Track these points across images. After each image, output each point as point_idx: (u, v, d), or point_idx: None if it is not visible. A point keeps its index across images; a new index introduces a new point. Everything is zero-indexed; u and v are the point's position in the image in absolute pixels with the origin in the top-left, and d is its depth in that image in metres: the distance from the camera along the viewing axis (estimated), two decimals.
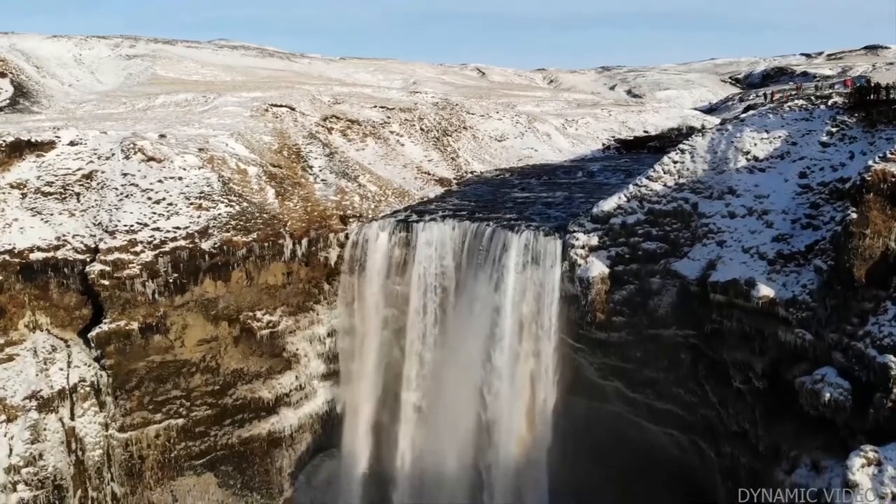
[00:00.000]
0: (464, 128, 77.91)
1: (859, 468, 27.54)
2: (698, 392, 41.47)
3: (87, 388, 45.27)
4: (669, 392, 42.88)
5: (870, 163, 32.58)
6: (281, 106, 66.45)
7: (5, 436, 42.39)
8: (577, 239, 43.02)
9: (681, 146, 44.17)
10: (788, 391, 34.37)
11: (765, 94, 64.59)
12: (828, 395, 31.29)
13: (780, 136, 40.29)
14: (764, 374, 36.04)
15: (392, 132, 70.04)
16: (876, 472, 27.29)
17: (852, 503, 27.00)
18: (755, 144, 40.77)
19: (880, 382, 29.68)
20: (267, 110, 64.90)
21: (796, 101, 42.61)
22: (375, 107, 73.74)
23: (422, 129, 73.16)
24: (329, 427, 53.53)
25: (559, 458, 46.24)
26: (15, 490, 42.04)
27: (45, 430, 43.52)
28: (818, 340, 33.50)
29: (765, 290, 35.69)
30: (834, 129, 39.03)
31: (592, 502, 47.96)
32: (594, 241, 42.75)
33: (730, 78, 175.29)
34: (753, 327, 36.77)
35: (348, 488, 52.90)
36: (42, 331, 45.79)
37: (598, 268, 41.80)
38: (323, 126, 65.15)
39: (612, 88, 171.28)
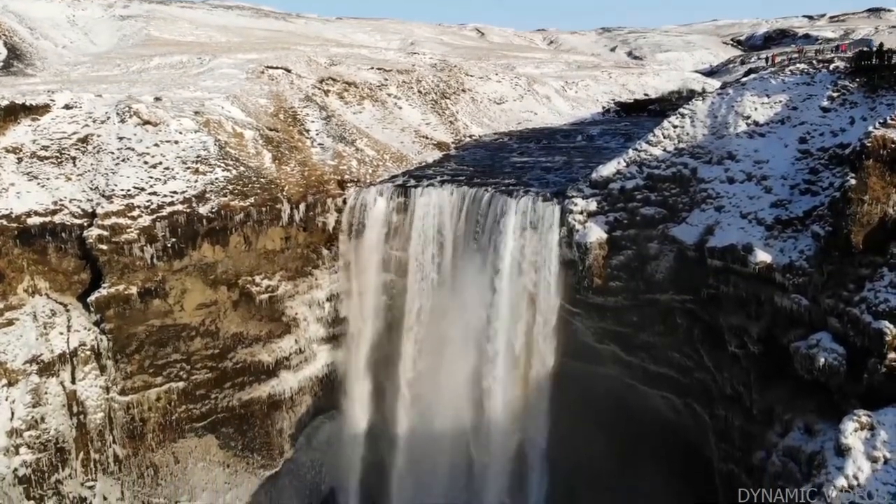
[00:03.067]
0: (462, 90, 77.17)
1: (852, 432, 27.90)
2: (693, 356, 41.82)
3: (88, 352, 45.51)
4: (665, 356, 43.26)
5: (870, 129, 32.33)
6: (277, 68, 65.67)
7: (7, 399, 42.80)
8: (576, 204, 42.92)
9: (681, 110, 43.78)
10: (783, 356, 34.60)
11: (766, 58, 63.93)
12: (822, 359, 31.50)
13: (780, 101, 39.94)
14: (759, 338, 36.27)
15: (390, 95, 69.36)
16: (868, 437, 27.64)
17: (845, 466, 27.39)
18: (756, 109, 40.43)
19: (875, 348, 29.87)
20: (263, 72, 64.14)
21: (798, 65, 42.14)
22: (373, 68, 72.93)
23: (420, 91, 72.45)
24: (329, 389, 54.07)
25: (556, 419, 46.87)
26: (17, 453, 42.60)
27: (46, 393, 43.91)
28: (814, 306, 33.63)
29: (762, 256, 35.71)
30: (835, 94, 38.68)
31: (589, 463, 48.72)
32: (593, 206, 42.65)
33: (731, 40, 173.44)
34: (750, 292, 36.87)
35: (348, 449, 53.75)
36: (41, 295, 45.83)
37: (596, 233, 41.77)
38: (319, 88, 64.47)
39: (612, 50, 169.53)
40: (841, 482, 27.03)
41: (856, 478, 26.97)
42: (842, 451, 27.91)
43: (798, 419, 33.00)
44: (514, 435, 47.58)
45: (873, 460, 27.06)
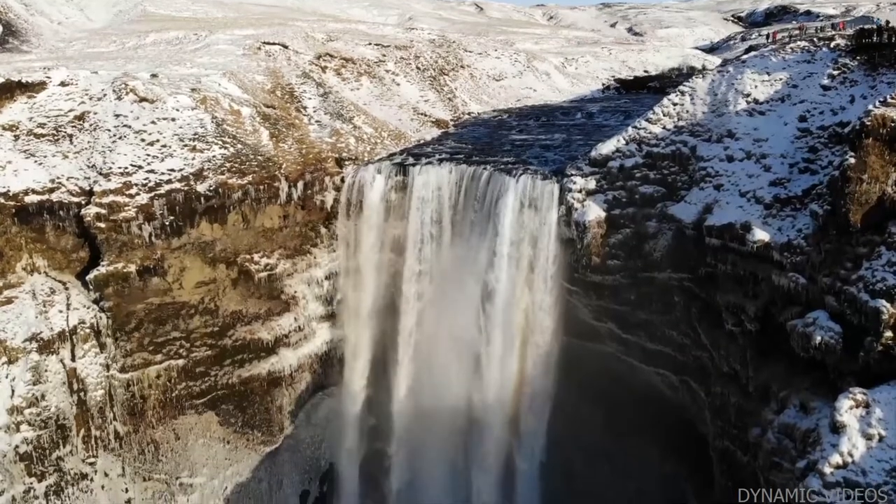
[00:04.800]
0: (461, 66, 76.61)
1: (847, 410, 28.13)
2: (690, 334, 42.02)
3: (87, 330, 45.59)
4: (662, 334, 43.48)
5: (870, 107, 32.19)
6: (274, 44, 65.14)
7: (7, 377, 42.95)
8: (575, 183, 42.83)
9: (681, 88, 43.58)
10: (780, 334, 34.76)
11: (767, 34, 63.36)
12: (819, 337, 31.63)
13: (780, 79, 39.72)
14: (756, 316, 36.42)
15: (387, 71, 68.86)
16: (864, 414, 27.88)
17: (839, 444, 27.63)
18: (756, 87, 40.23)
19: (871, 326, 29.99)
20: (259, 48, 63.64)
21: (798, 43, 41.82)
22: (370, 44, 72.33)
23: (418, 67, 71.91)
24: (328, 367, 54.33)
25: (553, 394, 47.22)
26: (18, 430, 42.85)
27: (46, 371, 44.05)
28: (811, 284, 33.71)
29: (760, 234, 35.73)
30: (835, 72, 38.46)
31: (586, 436, 49.27)
32: (591, 184, 42.57)
33: (732, 16, 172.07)
34: (747, 271, 36.95)
35: (347, 425, 54.12)
36: (40, 273, 45.86)
37: (594, 212, 41.73)
38: (317, 65, 63.98)
39: (612, 26, 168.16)
40: (836, 459, 27.32)
41: (850, 455, 27.25)
42: (837, 429, 28.17)
43: (794, 397, 33.25)
44: (513, 409, 47.86)
45: (868, 438, 27.32)
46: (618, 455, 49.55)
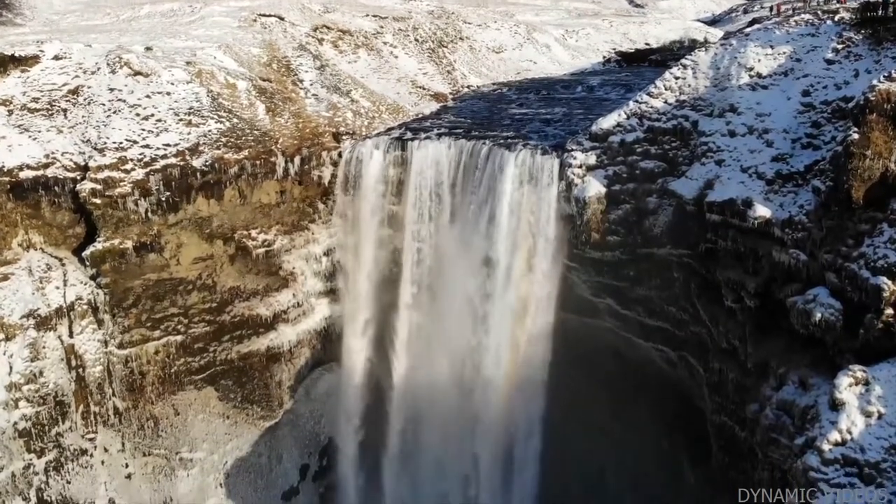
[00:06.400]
0: (460, 38, 75.61)
1: (847, 387, 28.12)
2: (689, 310, 41.91)
3: (85, 307, 45.51)
4: (661, 309, 43.39)
5: (874, 82, 31.71)
6: (270, 16, 64.10)
7: (4, 354, 42.92)
8: (575, 158, 42.40)
9: (683, 61, 42.95)
10: (779, 310, 34.67)
11: (770, 7, 62.39)
12: (819, 314, 31.50)
13: (784, 53, 39.11)
14: (756, 293, 36.26)
15: (385, 43, 67.92)
16: (863, 392, 27.86)
17: (838, 421, 27.64)
18: (759, 61, 39.61)
19: (872, 303, 29.84)
20: (255, 20, 62.67)
21: (802, 16, 41.08)
22: (368, 15, 71.21)
23: (416, 39, 70.94)
24: (327, 342, 54.35)
25: (552, 372, 47.20)
26: (17, 407, 42.93)
27: (44, 347, 44.03)
28: (812, 261, 33.53)
29: (761, 211, 35.44)
30: (839, 46, 37.84)
31: (585, 415, 49.41)
32: (592, 160, 42.14)
33: None
34: (748, 247, 36.74)
35: (347, 400, 54.30)
36: (36, 249, 45.63)
37: (594, 187, 41.37)
38: (313, 37, 63.06)
39: None
40: (834, 436, 27.39)
41: (849, 432, 27.32)
42: (836, 406, 28.19)
43: (792, 373, 33.22)
44: (511, 384, 47.93)
45: (867, 415, 27.35)
46: (615, 429, 49.80)
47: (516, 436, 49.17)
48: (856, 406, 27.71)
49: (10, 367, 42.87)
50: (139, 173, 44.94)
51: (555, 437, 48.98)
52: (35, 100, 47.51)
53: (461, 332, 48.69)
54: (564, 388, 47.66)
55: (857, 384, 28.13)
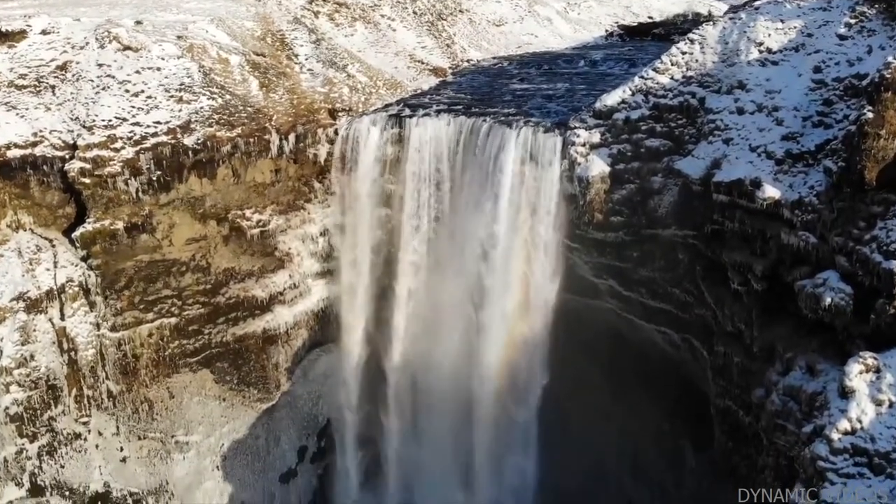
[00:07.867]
0: (460, 11, 73.84)
1: (857, 374, 27.31)
2: (694, 292, 41.09)
3: (76, 289, 44.62)
4: (665, 291, 42.51)
5: (889, 59, 30.54)
6: None
7: None
8: (578, 136, 41.24)
9: (690, 35, 41.62)
10: (787, 294, 33.80)
11: None
12: (829, 299, 30.64)
13: (795, 27, 37.78)
14: (763, 276, 35.36)
15: (383, 16, 66.21)
16: (874, 379, 27.08)
17: (848, 409, 26.94)
18: (769, 35, 38.28)
19: (884, 288, 28.99)
20: None
21: None
22: None
23: (415, 12, 69.20)
24: (325, 323, 53.60)
25: (553, 353, 46.64)
26: (8, 391, 42.22)
27: (35, 331, 43.21)
28: (822, 244, 32.62)
29: (770, 191, 34.41)
30: (852, 21, 36.50)
31: (587, 396, 49.02)
32: (595, 138, 40.99)
33: None
34: (756, 229, 35.78)
35: (345, 381, 53.73)
36: (25, 230, 44.62)
37: (598, 166, 40.28)
38: (309, 9, 61.34)
39: None
40: (844, 425, 26.62)
41: (859, 421, 26.54)
42: (845, 393, 27.38)
43: (800, 358, 32.49)
44: (511, 365, 47.47)
45: (878, 403, 26.58)
46: (616, 412, 49.49)
47: (515, 417, 48.79)
48: (866, 394, 26.94)
49: (1, 352, 42.14)
50: (129, 152, 43.78)
51: (554, 417, 48.60)
52: (22, 76, 46.12)
53: (460, 312, 48.03)
54: (564, 369, 47.19)
55: (867, 371, 27.34)
